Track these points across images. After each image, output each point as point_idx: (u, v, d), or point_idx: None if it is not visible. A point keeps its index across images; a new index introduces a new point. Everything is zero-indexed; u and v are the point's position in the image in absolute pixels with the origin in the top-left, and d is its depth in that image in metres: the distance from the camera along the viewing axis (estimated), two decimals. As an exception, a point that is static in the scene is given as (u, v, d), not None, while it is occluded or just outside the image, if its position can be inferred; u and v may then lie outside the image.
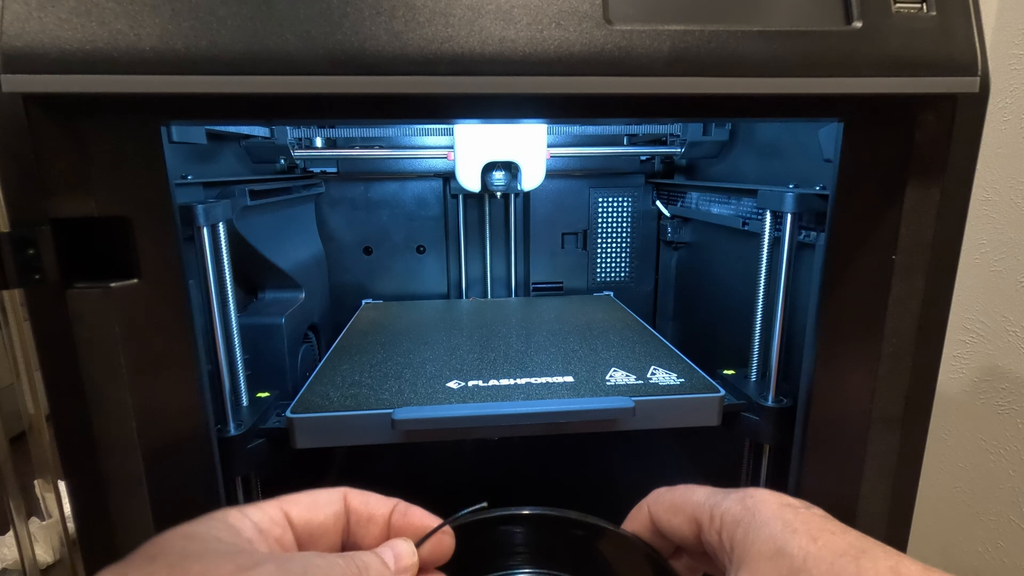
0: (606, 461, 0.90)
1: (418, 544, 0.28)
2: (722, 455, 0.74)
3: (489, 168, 0.80)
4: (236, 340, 0.51)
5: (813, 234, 0.52)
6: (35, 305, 0.36)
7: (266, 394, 0.54)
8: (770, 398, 0.53)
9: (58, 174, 0.35)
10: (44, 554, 1.12)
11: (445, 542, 0.29)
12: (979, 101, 0.39)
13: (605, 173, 0.92)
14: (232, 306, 0.50)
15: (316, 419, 0.48)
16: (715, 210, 0.75)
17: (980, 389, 0.83)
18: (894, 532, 0.47)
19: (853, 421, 0.45)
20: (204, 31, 0.33)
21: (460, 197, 0.89)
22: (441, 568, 0.29)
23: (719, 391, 0.52)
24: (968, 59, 0.37)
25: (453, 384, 0.53)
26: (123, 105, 0.34)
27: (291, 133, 0.76)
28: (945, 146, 0.40)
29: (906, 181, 0.41)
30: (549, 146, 0.81)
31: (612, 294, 0.92)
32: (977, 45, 0.37)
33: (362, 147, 0.84)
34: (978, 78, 0.37)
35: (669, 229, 0.90)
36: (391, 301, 0.89)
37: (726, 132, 0.76)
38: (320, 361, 0.60)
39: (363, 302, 0.88)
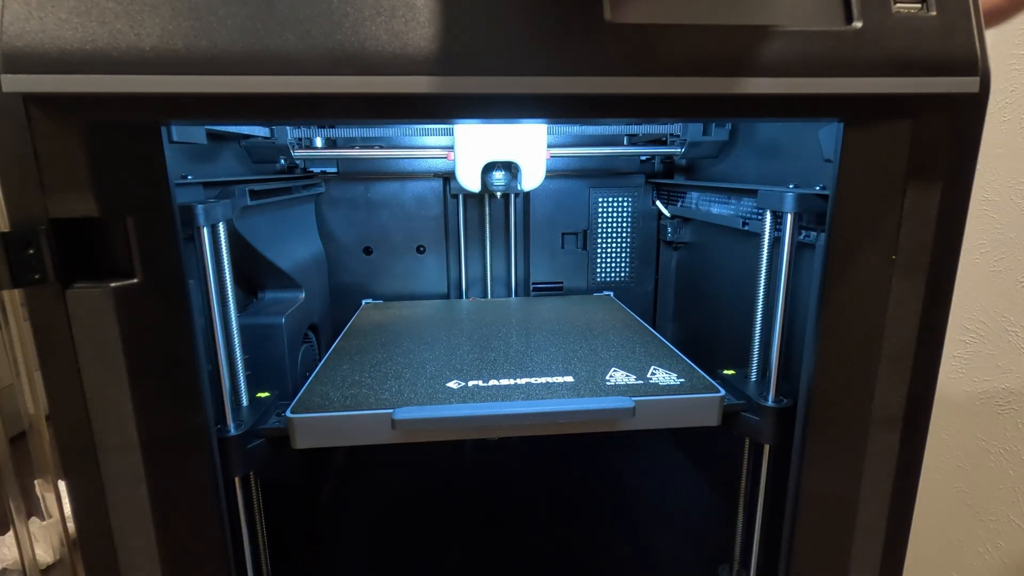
0: (605, 460, 0.90)
1: None
2: (722, 455, 0.74)
3: (489, 168, 0.80)
4: (236, 340, 0.51)
5: (813, 234, 0.52)
6: (35, 305, 0.36)
7: (266, 394, 0.54)
8: (770, 398, 0.53)
9: (58, 174, 0.35)
10: (44, 554, 1.12)
11: None
12: (979, 101, 0.39)
13: (605, 173, 0.92)
14: (232, 306, 0.50)
15: (316, 419, 0.48)
16: (715, 210, 0.75)
17: (980, 389, 0.83)
18: (894, 532, 0.47)
19: (853, 421, 0.45)
20: (204, 31, 0.33)
21: (460, 197, 0.89)
22: None
23: (719, 391, 0.52)
24: (968, 59, 0.37)
25: (453, 384, 0.53)
26: (123, 105, 0.34)
27: (291, 133, 0.76)
28: (945, 146, 0.40)
29: (906, 181, 0.40)
30: (549, 146, 0.81)
31: (612, 294, 0.92)
32: (977, 45, 0.37)
33: (362, 147, 0.84)
34: (978, 78, 0.37)
35: (669, 229, 0.90)
36: (391, 301, 0.89)
37: (726, 132, 0.76)
38: (320, 361, 0.60)
39: (363, 302, 0.88)
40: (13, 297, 0.99)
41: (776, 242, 0.53)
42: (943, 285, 0.42)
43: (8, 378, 1.05)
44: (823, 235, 0.45)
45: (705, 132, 0.77)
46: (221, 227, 0.48)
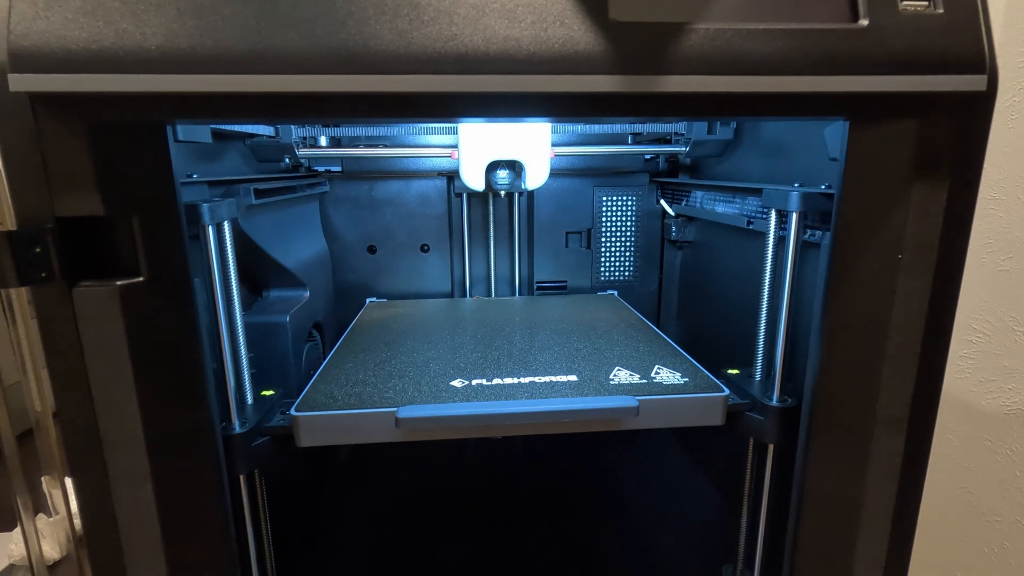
0: (609, 459, 0.90)
1: None
2: (726, 454, 0.74)
3: (493, 167, 0.80)
4: (241, 338, 0.51)
5: (818, 233, 0.51)
6: (41, 303, 0.36)
7: (270, 392, 0.54)
8: (774, 398, 0.52)
9: (64, 173, 0.35)
10: (51, 550, 1.13)
11: None
12: (986, 100, 0.38)
13: (609, 172, 0.91)
14: (237, 304, 0.50)
15: (320, 417, 0.48)
16: (720, 209, 0.75)
17: (986, 389, 0.83)
18: (899, 533, 0.47)
19: (858, 421, 0.45)
20: (209, 30, 0.33)
21: (464, 196, 0.89)
22: None
23: (723, 390, 0.51)
24: (975, 57, 0.37)
25: (457, 383, 0.53)
26: (129, 104, 0.34)
27: (296, 132, 0.76)
28: (952, 145, 0.39)
29: (912, 180, 0.40)
30: (553, 145, 0.81)
31: (616, 293, 0.92)
32: (984, 43, 0.37)
33: (366, 146, 0.84)
34: (985, 76, 0.37)
35: (673, 228, 0.90)
36: (395, 300, 0.89)
37: (731, 131, 0.76)
38: (324, 359, 0.60)
39: (367, 301, 0.88)
40: (20, 295, 1.00)
41: (781, 241, 0.53)
42: (949, 285, 0.42)
43: (15, 376, 1.06)
44: (828, 234, 0.45)
45: (710, 131, 0.77)
46: (226, 226, 0.48)
